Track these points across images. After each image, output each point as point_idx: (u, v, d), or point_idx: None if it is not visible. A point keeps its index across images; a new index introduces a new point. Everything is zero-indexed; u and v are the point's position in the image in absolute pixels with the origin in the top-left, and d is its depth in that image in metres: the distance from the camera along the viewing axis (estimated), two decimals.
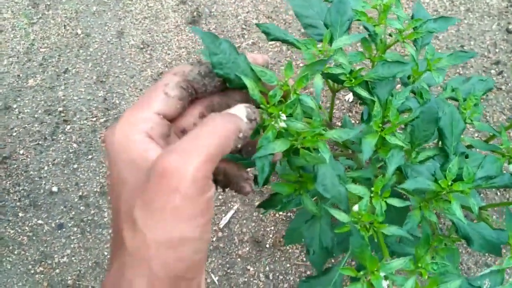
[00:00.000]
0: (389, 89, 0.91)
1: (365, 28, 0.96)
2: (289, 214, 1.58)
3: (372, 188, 0.85)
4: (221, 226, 1.57)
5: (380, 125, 0.88)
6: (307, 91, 1.75)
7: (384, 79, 0.88)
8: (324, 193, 0.76)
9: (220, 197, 1.60)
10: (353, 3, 0.93)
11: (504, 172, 0.95)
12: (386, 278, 0.74)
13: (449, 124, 0.95)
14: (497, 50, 1.86)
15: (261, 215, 1.58)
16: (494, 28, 1.91)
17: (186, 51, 1.89)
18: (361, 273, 0.74)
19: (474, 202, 0.89)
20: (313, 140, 0.73)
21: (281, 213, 1.58)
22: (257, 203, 1.59)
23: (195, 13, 1.98)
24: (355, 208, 0.84)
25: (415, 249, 0.85)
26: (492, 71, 1.79)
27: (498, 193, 1.58)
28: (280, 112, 0.67)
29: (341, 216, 0.81)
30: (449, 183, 0.86)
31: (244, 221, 1.58)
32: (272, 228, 1.56)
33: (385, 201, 0.85)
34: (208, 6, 2.00)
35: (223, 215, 1.58)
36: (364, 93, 0.89)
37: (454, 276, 0.80)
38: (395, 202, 0.85)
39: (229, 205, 1.59)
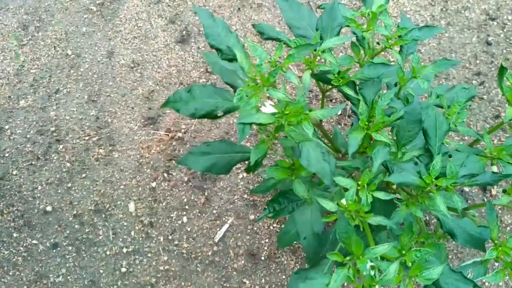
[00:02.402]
0: (375, 90, 0.96)
1: (354, 34, 1.01)
2: (283, 226, 1.60)
3: (359, 182, 0.89)
4: (216, 240, 1.59)
5: (367, 123, 0.91)
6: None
7: (370, 79, 0.93)
8: (308, 168, 0.80)
9: (214, 211, 1.62)
10: (344, 10, 0.98)
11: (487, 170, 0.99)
12: (373, 268, 0.77)
13: (433, 125, 0.99)
14: (477, 61, 1.93)
15: (255, 228, 1.60)
16: (474, 40, 1.98)
17: (176, 69, 1.93)
18: (347, 258, 0.78)
19: (458, 199, 0.93)
20: (297, 115, 0.78)
21: (275, 225, 1.60)
22: (251, 216, 1.61)
23: (184, 32, 2.02)
24: (343, 201, 0.88)
25: (400, 237, 0.88)
26: (474, 82, 1.85)
27: (485, 199, 1.63)
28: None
29: (328, 205, 0.84)
30: (433, 179, 0.89)
31: (239, 235, 1.60)
32: (267, 240, 1.59)
33: (372, 194, 0.88)
34: (197, 25, 2.04)
35: (218, 229, 1.60)
36: (350, 92, 0.93)
37: (437, 263, 0.83)
38: (381, 195, 0.89)
39: (224, 219, 1.62)
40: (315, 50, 0.90)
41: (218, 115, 0.89)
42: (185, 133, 1.75)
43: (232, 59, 0.87)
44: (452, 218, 0.94)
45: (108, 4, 2.08)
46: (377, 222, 0.81)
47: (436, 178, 0.89)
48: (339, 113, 1.77)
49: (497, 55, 1.93)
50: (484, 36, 2.01)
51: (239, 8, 2.09)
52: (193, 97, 0.88)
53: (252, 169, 0.86)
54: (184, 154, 1.03)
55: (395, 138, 0.98)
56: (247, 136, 1.74)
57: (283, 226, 1.59)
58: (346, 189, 0.86)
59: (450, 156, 0.95)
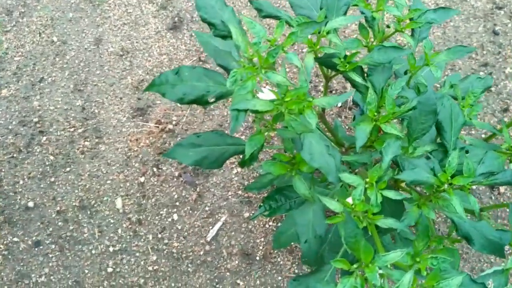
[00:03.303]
0: (386, 77, 0.87)
1: (363, 14, 0.91)
2: (279, 224, 1.51)
3: (367, 179, 0.80)
4: (208, 239, 1.49)
5: (375, 113, 0.82)
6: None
7: (380, 64, 0.84)
8: (311, 162, 0.71)
9: (206, 208, 1.53)
10: None
11: (506, 168, 0.90)
12: (381, 276, 0.68)
13: (448, 117, 0.90)
14: (484, 52, 1.83)
15: (250, 226, 1.51)
16: (481, 30, 1.89)
17: (168, 58, 1.83)
18: (355, 266, 0.68)
19: (475, 199, 0.84)
20: (299, 103, 0.69)
21: (271, 223, 1.51)
22: (245, 214, 1.52)
23: (176, 19, 1.91)
24: (349, 200, 0.78)
25: (413, 243, 0.79)
26: (481, 73, 1.76)
27: (492, 197, 1.54)
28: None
29: (333, 204, 0.75)
30: (449, 177, 0.81)
31: (233, 233, 1.51)
32: (262, 239, 1.50)
33: (381, 193, 0.79)
34: (190, 12, 1.94)
35: (210, 227, 1.51)
36: (358, 79, 0.84)
37: (455, 272, 0.74)
38: (391, 194, 0.79)
39: (217, 216, 1.52)
40: (319, 33, 0.81)
41: (210, 100, 0.79)
42: (176, 125, 1.66)
43: (226, 36, 0.75)
44: (469, 221, 0.85)
45: None
46: (387, 225, 0.72)
47: (452, 176, 0.80)
48: (339, 105, 1.68)
49: (504, 46, 1.84)
50: (491, 25, 1.91)
51: None
52: (181, 79, 0.78)
53: (247, 163, 0.76)
54: (172, 147, 0.93)
55: (406, 131, 0.89)
56: (242, 129, 1.64)
57: (279, 224, 1.50)
58: (351, 186, 0.77)
59: (467, 151, 0.86)
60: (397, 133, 0.79)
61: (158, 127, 1.65)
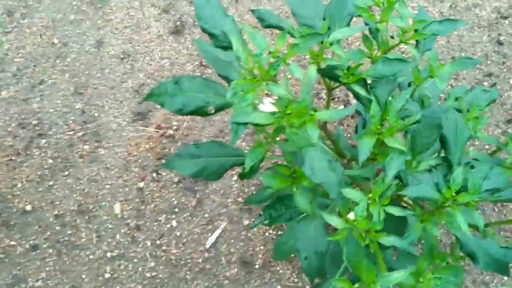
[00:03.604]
0: (390, 89, 0.85)
1: (366, 25, 0.90)
2: (279, 232, 1.49)
3: (370, 195, 0.78)
4: (207, 246, 1.48)
5: (379, 126, 0.81)
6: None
7: (384, 77, 0.82)
8: (312, 178, 0.70)
9: (206, 215, 1.51)
10: None
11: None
12: None
13: (453, 131, 0.88)
14: (488, 62, 1.82)
15: (249, 234, 1.49)
16: (485, 39, 1.87)
17: (169, 62, 1.82)
18: (356, 286, 0.67)
19: (479, 216, 0.83)
20: (300, 116, 0.67)
21: (271, 231, 1.50)
22: (245, 221, 1.51)
23: (178, 23, 1.90)
24: (351, 215, 0.77)
25: (418, 262, 0.78)
26: (485, 83, 1.75)
27: (496, 209, 1.52)
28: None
29: (334, 221, 0.74)
30: (453, 194, 0.79)
31: (232, 241, 1.49)
32: (262, 247, 1.48)
33: (384, 209, 0.78)
34: (192, 16, 1.93)
35: (209, 234, 1.49)
36: (362, 92, 0.83)
37: None
38: (395, 210, 0.78)
39: (216, 223, 1.51)
40: (322, 42, 0.80)
41: (209, 112, 0.78)
42: (176, 130, 1.64)
43: (227, 47, 0.74)
44: (474, 239, 0.83)
45: None
46: (390, 243, 0.71)
47: (457, 192, 0.79)
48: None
49: (509, 56, 1.82)
50: (495, 35, 1.90)
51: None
52: (180, 90, 0.77)
53: (247, 176, 0.74)
54: (170, 156, 0.92)
55: (409, 144, 0.88)
56: (243, 135, 1.63)
57: (279, 233, 1.49)
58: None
59: (472, 167, 0.84)
60: (401, 148, 0.77)
61: (158, 132, 1.64)
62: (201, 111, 0.76)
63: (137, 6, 1.94)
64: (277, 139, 0.76)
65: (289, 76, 1.72)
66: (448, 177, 0.87)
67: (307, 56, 1.80)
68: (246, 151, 0.89)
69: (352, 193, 0.72)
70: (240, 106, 0.63)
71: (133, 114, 1.69)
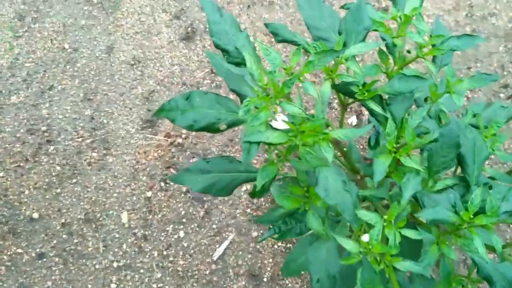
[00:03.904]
0: (406, 107, 0.82)
1: (383, 39, 0.87)
2: (288, 245, 1.47)
3: (385, 216, 0.76)
4: (214, 258, 1.45)
5: (394, 145, 0.78)
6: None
7: (400, 94, 0.80)
8: (326, 199, 0.68)
9: (214, 226, 1.49)
10: (371, 12, 0.85)
11: None
12: None
13: (471, 150, 0.85)
14: (505, 73, 1.78)
15: (258, 246, 1.47)
16: (501, 50, 1.84)
17: (180, 68, 1.80)
18: None
19: (498, 239, 0.80)
20: (314, 135, 0.65)
21: (280, 244, 1.47)
22: (254, 233, 1.48)
23: (189, 29, 1.88)
24: (365, 238, 0.74)
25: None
26: (502, 95, 1.71)
27: (509, 229, 1.49)
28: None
29: (349, 244, 0.71)
30: (471, 216, 0.76)
31: (240, 253, 1.46)
32: (270, 260, 1.45)
33: (399, 232, 0.75)
34: (203, 22, 1.91)
35: (217, 246, 1.47)
36: (377, 109, 0.80)
37: None
38: (411, 234, 0.75)
39: (224, 235, 1.48)
40: (337, 57, 0.77)
41: (221, 128, 0.76)
42: (185, 139, 1.62)
43: (240, 63, 0.71)
44: (491, 262, 0.80)
45: None
46: (406, 268, 0.68)
47: (475, 214, 0.76)
48: (354, 123, 1.63)
49: None
50: (511, 45, 1.86)
51: (249, 5, 1.96)
52: (191, 105, 0.75)
53: (258, 195, 0.72)
54: (179, 171, 0.90)
55: (425, 162, 0.85)
56: None
57: (288, 245, 1.46)
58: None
59: (490, 187, 0.81)
60: (417, 168, 0.74)
61: (167, 140, 1.62)
62: (212, 128, 0.73)
63: (148, 11, 1.93)
64: (290, 157, 0.74)
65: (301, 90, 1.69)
66: (465, 197, 0.84)
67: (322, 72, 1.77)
68: (256, 167, 0.87)
69: (367, 215, 0.69)
70: (253, 124, 0.61)
71: (142, 121, 1.67)
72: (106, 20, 1.90)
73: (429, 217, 0.72)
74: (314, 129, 0.65)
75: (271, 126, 0.67)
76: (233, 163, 0.85)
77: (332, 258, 0.79)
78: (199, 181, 0.85)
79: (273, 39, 1.89)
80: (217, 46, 0.67)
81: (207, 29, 1.88)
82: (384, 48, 0.87)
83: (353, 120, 1.64)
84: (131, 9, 1.92)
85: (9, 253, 1.48)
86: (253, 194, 0.75)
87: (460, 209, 0.78)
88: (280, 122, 0.72)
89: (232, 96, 1.73)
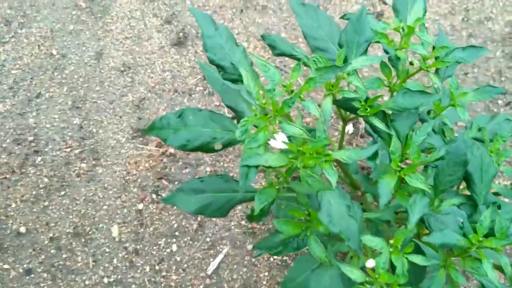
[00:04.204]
0: (411, 123, 0.79)
1: (385, 51, 0.83)
2: (284, 258, 1.42)
3: (391, 241, 0.72)
4: (209, 272, 1.41)
5: (399, 164, 0.75)
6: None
7: (405, 110, 0.76)
8: (329, 226, 0.63)
9: (207, 239, 1.44)
10: (373, 22, 0.81)
11: None
12: None
13: (478, 168, 0.82)
14: (502, 78, 1.75)
15: (253, 260, 1.42)
16: (498, 55, 1.81)
17: (171, 75, 1.75)
18: None
19: (507, 261, 0.76)
20: (316, 158, 0.61)
21: (276, 256, 1.43)
22: (249, 246, 1.44)
23: (180, 34, 1.84)
24: (370, 264, 0.70)
25: None
26: (500, 101, 1.68)
27: None
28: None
29: (353, 273, 0.67)
30: (480, 238, 0.73)
31: (235, 266, 1.42)
32: (266, 273, 1.41)
33: (406, 258, 0.71)
34: (195, 27, 1.86)
35: (211, 259, 1.42)
36: (381, 126, 0.76)
37: None
38: (418, 259, 0.71)
39: (218, 248, 1.44)
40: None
41: (216, 148, 0.71)
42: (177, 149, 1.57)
43: (237, 80, 0.67)
44: (501, 285, 0.76)
45: (99, 0, 1.90)
46: None
47: (484, 236, 0.72)
48: (350, 132, 1.59)
49: None
50: (509, 50, 1.83)
51: (242, 10, 1.91)
52: (184, 124, 0.70)
53: (256, 219, 0.68)
54: (172, 192, 0.85)
55: (430, 179, 0.81)
56: None
57: (284, 258, 1.42)
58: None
59: (499, 207, 0.77)
60: (424, 188, 0.70)
61: (158, 150, 1.57)
62: (207, 147, 0.69)
63: (138, 16, 1.88)
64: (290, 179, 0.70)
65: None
66: (473, 218, 0.80)
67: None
68: (254, 186, 0.83)
69: (372, 241, 0.65)
70: (251, 146, 0.57)
71: (132, 130, 1.62)
72: (95, 25, 1.85)
73: (438, 242, 0.68)
74: (315, 150, 0.61)
75: (269, 145, 0.63)
76: (228, 182, 0.81)
77: (336, 286, 0.75)
78: (192, 201, 0.80)
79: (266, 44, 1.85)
80: (212, 61, 0.63)
81: (199, 34, 1.83)
82: (387, 61, 0.83)
83: (349, 128, 1.60)
84: (121, 14, 1.87)
85: None
86: (250, 218, 0.70)
87: (468, 230, 0.74)
88: (279, 141, 0.68)
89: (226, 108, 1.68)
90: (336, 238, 0.76)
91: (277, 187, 0.69)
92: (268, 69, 0.61)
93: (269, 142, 0.69)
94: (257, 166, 0.58)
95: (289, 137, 0.62)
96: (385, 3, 1.94)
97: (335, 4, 1.93)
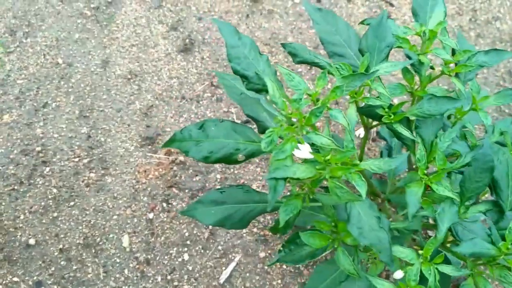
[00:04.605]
0: (436, 130, 0.77)
1: (408, 57, 0.81)
2: (298, 265, 1.40)
3: (421, 251, 0.70)
4: (221, 281, 1.39)
5: (425, 171, 0.73)
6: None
7: (430, 116, 0.74)
8: (360, 238, 0.62)
9: (219, 247, 1.42)
10: (394, 27, 0.79)
11: None
12: None
13: (505, 174, 0.80)
14: None
15: (266, 267, 1.40)
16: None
17: (178, 81, 1.73)
18: None
19: None
20: (345, 169, 0.59)
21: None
22: (261, 253, 1.42)
23: (187, 40, 1.82)
24: (398, 275, 0.68)
25: None
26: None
27: None
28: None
29: (384, 286, 0.65)
30: (509, 246, 0.71)
31: (247, 274, 1.40)
32: (279, 281, 1.39)
33: (437, 269, 0.69)
34: (201, 33, 1.85)
35: (223, 268, 1.40)
36: (406, 133, 0.74)
37: None
38: (448, 270, 0.69)
39: (230, 256, 1.42)
40: None
41: (239, 159, 0.70)
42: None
43: (261, 90, 0.65)
44: None
45: (104, 8, 1.88)
46: None
47: None
48: (361, 136, 1.57)
49: None
50: None
51: (247, 15, 1.90)
52: (206, 135, 0.69)
53: (281, 231, 0.66)
54: (191, 203, 0.83)
55: (454, 185, 0.79)
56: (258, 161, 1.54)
57: (298, 266, 1.40)
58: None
59: None
60: (452, 197, 0.69)
61: (168, 158, 1.55)
62: (230, 159, 0.67)
63: (144, 23, 1.87)
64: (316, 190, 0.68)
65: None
66: (499, 224, 0.78)
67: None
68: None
69: (402, 252, 0.64)
70: (278, 158, 0.55)
71: (141, 138, 1.60)
72: (100, 33, 1.83)
73: (468, 251, 0.66)
74: (344, 161, 0.59)
75: (293, 156, 0.61)
76: (249, 192, 0.79)
77: None
78: (212, 213, 0.78)
79: (273, 49, 1.83)
80: (236, 71, 0.61)
81: (205, 40, 1.82)
82: (409, 66, 0.81)
83: (360, 132, 1.58)
84: (126, 21, 1.86)
85: (4, 282, 1.40)
86: (274, 230, 0.69)
87: (496, 238, 0.72)
88: (304, 151, 0.66)
89: (233, 109, 1.67)
90: (364, 249, 0.74)
91: (302, 197, 0.67)
92: (293, 78, 0.59)
93: (293, 152, 0.67)
94: (285, 179, 0.56)
95: (313, 147, 0.61)
96: (392, 5, 1.92)
97: (341, 7, 1.92)
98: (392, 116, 0.73)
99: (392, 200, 0.90)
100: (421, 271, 0.66)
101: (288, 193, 0.97)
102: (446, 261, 0.70)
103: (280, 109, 0.58)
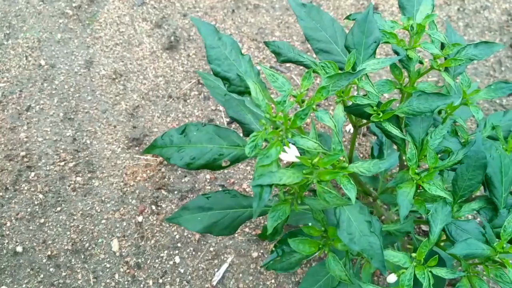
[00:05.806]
0: (426, 127, 0.75)
1: (395, 52, 0.79)
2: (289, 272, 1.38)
3: (414, 254, 0.68)
4: (214, 282, 1.36)
5: (416, 171, 0.71)
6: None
7: (420, 114, 0.72)
8: (350, 245, 0.59)
9: (211, 249, 1.40)
10: (380, 21, 0.77)
11: None
12: None
13: (498, 171, 0.78)
14: (502, 68, 1.72)
15: (259, 267, 1.38)
16: None
17: (164, 80, 1.70)
18: None
19: None
20: (333, 172, 0.57)
21: None
22: (254, 253, 1.40)
23: (172, 38, 1.79)
24: (391, 278, 0.66)
25: None
26: None
27: None
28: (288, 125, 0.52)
29: None
30: (504, 245, 0.69)
31: (240, 275, 1.38)
32: (273, 281, 1.37)
33: (431, 272, 0.67)
34: (186, 30, 1.81)
35: (216, 269, 1.38)
36: (395, 131, 0.72)
37: None
38: (443, 272, 0.67)
39: (222, 257, 1.39)
40: None
41: (223, 165, 0.67)
42: None
43: (244, 92, 0.62)
44: None
45: (86, 7, 1.84)
46: None
47: (509, 241, 0.69)
48: (351, 131, 1.55)
49: None
50: (507, 39, 1.80)
51: (233, 10, 1.87)
52: (188, 140, 0.66)
53: (269, 238, 0.63)
54: (177, 210, 0.81)
55: (447, 184, 0.77)
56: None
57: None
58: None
59: None
60: (445, 196, 0.67)
61: (156, 159, 1.52)
62: (213, 165, 0.64)
63: (127, 21, 1.83)
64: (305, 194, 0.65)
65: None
66: (494, 222, 0.76)
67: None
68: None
69: (395, 256, 0.61)
70: (263, 163, 0.53)
71: (128, 139, 1.57)
72: (83, 32, 1.79)
73: (462, 252, 0.64)
74: (331, 164, 0.56)
75: (280, 160, 0.59)
76: (236, 197, 0.77)
77: None
78: (198, 220, 0.76)
79: (261, 44, 1.80)
80: (216, 73, 0.58)
81: (191, 37, 1.79)
82: (397, 62, 0.79)
83: (350, 127, 1.56)
84: (109, 20, 1.82)
85: None
86: (263, 236, 0.66)
87: (490, 236, 0.71)
88: (290, 154, 0.64)
89: (221, 108, 1.64)
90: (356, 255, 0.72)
91: (290, 203, 0.65)
92: (276, 79, 0.56)
93: (280, 155, 0.65)
94: (271, 185, 0.54)
95: (300, 150, 0.58)
96: None
97: (328, 0, 1.89)
98: (381, 115, 0.71)
99: (384, 200, 0.88)
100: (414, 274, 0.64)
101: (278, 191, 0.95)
102: (440, 261, 0.68)
103: (264, 112, 0.55)
